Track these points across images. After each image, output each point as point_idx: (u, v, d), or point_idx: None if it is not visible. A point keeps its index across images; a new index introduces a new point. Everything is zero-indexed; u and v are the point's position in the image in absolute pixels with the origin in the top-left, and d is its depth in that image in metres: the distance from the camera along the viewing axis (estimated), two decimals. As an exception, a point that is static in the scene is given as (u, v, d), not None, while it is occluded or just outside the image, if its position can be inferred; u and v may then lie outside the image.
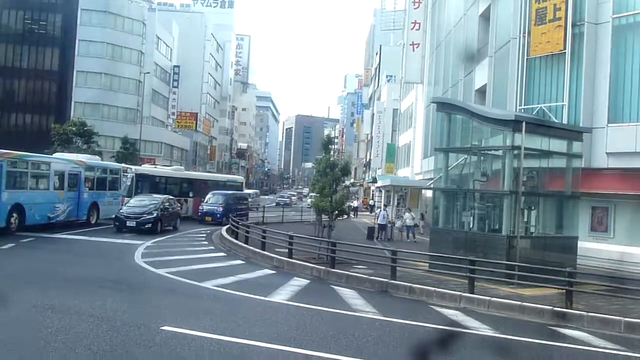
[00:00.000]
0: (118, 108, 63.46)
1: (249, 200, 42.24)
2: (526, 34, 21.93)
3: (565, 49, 20.45)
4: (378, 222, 29.03)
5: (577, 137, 17.65)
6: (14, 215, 20.76)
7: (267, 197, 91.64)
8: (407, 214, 29.62)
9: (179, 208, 28.59)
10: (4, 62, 60.11)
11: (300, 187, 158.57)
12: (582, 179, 17.78)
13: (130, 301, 10.77)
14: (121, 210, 25.26)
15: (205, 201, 34.00)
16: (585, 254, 17.58)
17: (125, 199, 28.57)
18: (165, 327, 8.58)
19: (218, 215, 32.46)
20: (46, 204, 22.91)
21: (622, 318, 11.06)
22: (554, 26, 20.84)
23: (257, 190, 70.73)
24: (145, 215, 24.42)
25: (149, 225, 24.20)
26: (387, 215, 30.30)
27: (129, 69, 63.77)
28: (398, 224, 29.61)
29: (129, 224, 24.09)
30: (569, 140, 17.48)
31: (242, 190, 45.29)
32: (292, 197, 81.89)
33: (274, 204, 61.02)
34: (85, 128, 47.63)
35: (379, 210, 33.55)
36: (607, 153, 19.52)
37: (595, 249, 19.23)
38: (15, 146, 25.68)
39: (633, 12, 19.36)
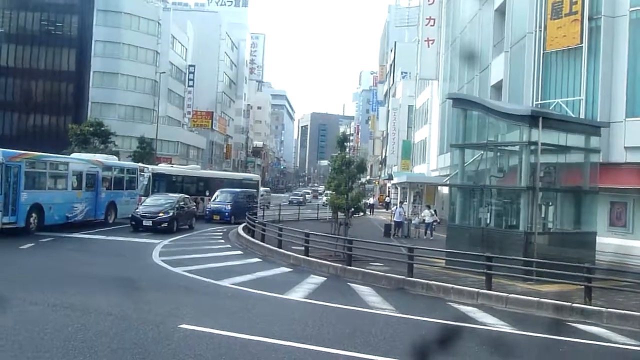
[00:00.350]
0: (134, 108, 63.95)
1: (261, 198, 42.17)
2: (542, 29, 21.73)
3: (582, 43, 20.24)
4: (394, 219, 28.66)
5: (594, 132, 17.45)
6: (33, 215, 21.04)
7: (282, 195, 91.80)
8: (426, 211, 29.05)
9: (194, 207, 28.75)
10: (21, 64, 60.76)
11: (316, 184, 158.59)
12: (600, 174, 17.57)
13: (148, 299, 10.87)
14: (137, 210, 25.43)
15: (212, 199, 33.92)
16: (603, 250, 17.38)
17: (142, 198, 28.80)
18: (183, 325, 8.65)
19: (226, 214, 32.12)
20: (65, 204, 23.17)
21: (642, 314, 10.95)
22: (570, 20, 20.62)
23: (267, 188, 69.82)
24: (161, 214, 24.57)
25: (165, 224, 24.35)
26: (404, 212, 29.71)
27: (145, 68, 64.22)
28: (415, 220, 29.08)
29: (145, 223, 24.26)
30: (586, 135, 17.29)
31: (258, 189, 45.40)
32: (307, 195, 79.77)
33: (287, 202, 60.95)
34: (102, 128, 47.94)
35: (395, 207, 33.02)
36: (625, 147, 19.30)
37: (614, 245, 19.00)
38: (34, 147, 26.01)
39: (651, 5, 19.09)
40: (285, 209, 40.10)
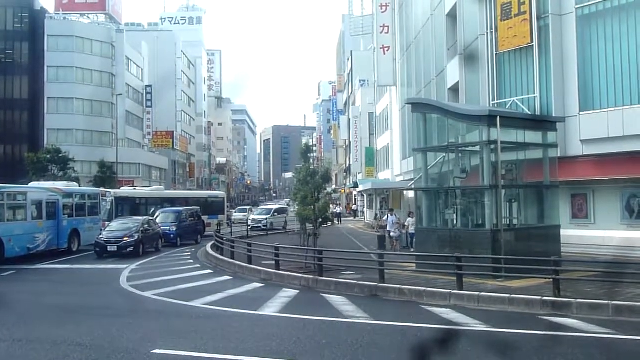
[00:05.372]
0: (92, 132, 62.80)
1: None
2: (493, 30, 22.19)
3: (532, 41, 20.72)
4: (388, 229, 25.00)
5: (551, 128, 17.86)
6: (-7, 248, 20.43)
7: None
8: (409, 219, 24.17)
9: (160, 229, 28.28)
10: (-28, 95, 59.25)
11: (274, 198, 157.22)
12: (560, 168, 18.00)
13: (119, 326, 10.62)
14: (101, 236, 24.82)
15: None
16: (568, 242, 17.77)
17: (106, 223, 28.22)
18: (156, 351, 8.47)
19: (172, 235, 29.56)
20: (25, 235, 22.58)
21: (609, 302, 11.19)
22: (519, 20, 21.11)
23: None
24: (126, 238, 24.07)
25: (131, 248, 23.88)
26: (398, 221, 25.56)
27: (101, 92, 63.19)
28: (395, 233, 24.46)
29: (110, 248, 23.73)
30: (543, 131, 17.68)
31: (224, 206, 45.02)
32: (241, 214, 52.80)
33: None
34: (60, 155, 47.04)
35: (386, 216, 27.53)
36: (581, 141, 19.78)
37: (578, 236, 19.44)
38: (-10, 178, 25.31)
39: (595, 2, 19.69)
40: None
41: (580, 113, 19.78)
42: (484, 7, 22.71)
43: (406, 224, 24.81)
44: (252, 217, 43.79)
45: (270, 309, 12.07)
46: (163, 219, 30.63)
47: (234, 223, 41.31)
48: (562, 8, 20.58)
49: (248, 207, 63.42)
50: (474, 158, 17.88)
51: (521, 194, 17.94)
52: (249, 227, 36.99)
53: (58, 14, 65.38)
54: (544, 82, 20.75)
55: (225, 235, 27.48)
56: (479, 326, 10.38)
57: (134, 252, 23.80)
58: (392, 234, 24.51)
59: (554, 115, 19.84)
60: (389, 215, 26.53)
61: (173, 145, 77.52)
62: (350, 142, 74.74)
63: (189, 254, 25.58)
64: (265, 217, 42.41)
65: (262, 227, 38.52)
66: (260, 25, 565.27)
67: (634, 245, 17.81)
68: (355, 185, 64.01)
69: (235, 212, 55.38)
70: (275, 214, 44.21)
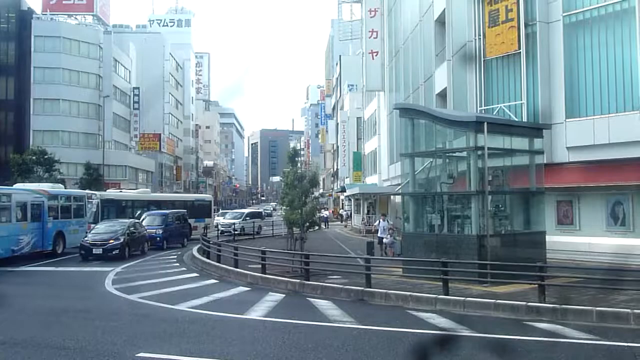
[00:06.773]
0: (79, 134, 62.42)
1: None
2: (481, 36, 22.34)
3: (519, 48, 20.89)
4: (378, 235, 24.51)
5: (537, 134, 17.99)
6: (-23, 250, 20.20)
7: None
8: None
9: (146, 232, 28.10)
10: (-43, 95, 58.72)
11: (262, 201, 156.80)
12: (546, 174, 18.14)
13: (103, 330, 10.52)
14: (86, 238, 24.62)
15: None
16: (554, 248, 17.87)
17: (92, 225, 28.00)
18: (141, 354, 8.41)
19: (158, 238, 29.42)
20: (9, 236, 22.36)
21: (593, 308, 11.27)
22: (507, 27, 21.28)
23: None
24: (111, 241, 23.91)
25: (116, 251, 23.71)
26: (391, 226, 24.69)
27: (88, 93, 62.86)
28: (387, 240, 23.31)
29: (95, 251, 23.55)
30: (530, 138, 17.80)
31: (211, 209, 44.80)
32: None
33: None
34: (46, 156, 46.70)
35: (377, 221, 26.81)
36: (567, 147, 19.94)
37: (563, 242, 19.55)
38: (-26, 179, 25.05)
39: (582, 10, 19.89)
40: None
41: (567, 120, 19.95)
42: (473, 13, 22.85)
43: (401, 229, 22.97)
44: (222, 221, 42.33)
45: (256, 313, 12.03)
46: (149, 221, 30.45)
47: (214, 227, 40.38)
48: (549, 16, 20.77)
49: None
50: (461, 164, 17.96)
51: (507, 200, 18.04)
52: (219, 232, 36.39)
53: (45, 14, 64.96)
54: (531, 89, 20.90)
55: (212, 238, 27.37)
56: (464, 331, 10.41)
57: (119, 255, 23.63)
58: (384, 240, 23.57)
59: (540, 122, 19.98)
60: (381, 220, 25.64)
61: (160, 148, 77.19)
62: (338, 147, 74.89)
63: (175, 257, 25.44)
64: (235, 221, 40.88)
65: (232, 232, 35.98)
66: (249, 29, 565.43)
67: (619, 252, 17.95)
68: (343, 190, 64.05)
69: (218, 216, 50.71)
70: (247, 218, 42.79)
